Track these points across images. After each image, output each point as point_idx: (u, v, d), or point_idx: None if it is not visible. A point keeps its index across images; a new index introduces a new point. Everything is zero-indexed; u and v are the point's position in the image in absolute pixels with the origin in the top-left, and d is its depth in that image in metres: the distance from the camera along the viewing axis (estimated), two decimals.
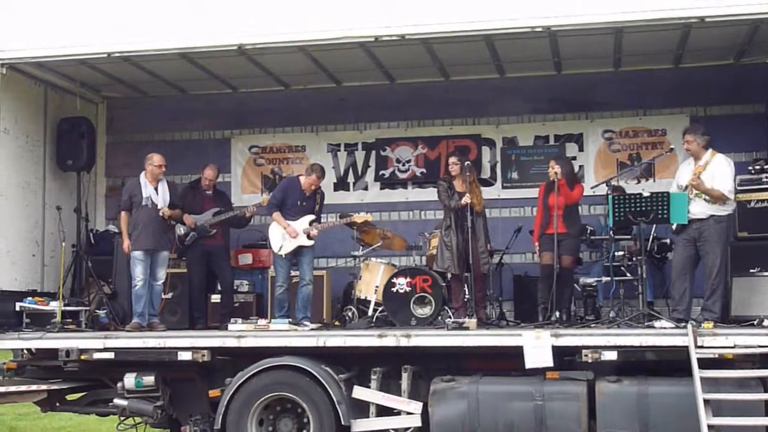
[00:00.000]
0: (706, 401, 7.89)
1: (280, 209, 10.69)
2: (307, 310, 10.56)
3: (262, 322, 10.18)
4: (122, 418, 9.95)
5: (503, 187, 12.36)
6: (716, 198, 9.40)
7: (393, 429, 9.05)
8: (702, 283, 9.56)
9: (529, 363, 8.61)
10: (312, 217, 10.74)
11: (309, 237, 10.63)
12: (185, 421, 9.71)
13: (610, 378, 8.56)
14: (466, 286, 10.44)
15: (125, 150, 12.87)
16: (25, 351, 10.33)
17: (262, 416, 9.25)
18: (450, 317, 10.09)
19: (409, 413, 8.98)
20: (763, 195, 10.50)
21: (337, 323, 11.13)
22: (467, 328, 9.32)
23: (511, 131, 12.46)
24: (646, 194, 9.57)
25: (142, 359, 9.54)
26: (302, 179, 10.86)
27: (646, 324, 9.23)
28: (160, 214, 10.66)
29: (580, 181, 11.18)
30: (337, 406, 8.90)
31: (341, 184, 12.78)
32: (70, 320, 10.63)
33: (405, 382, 9.05)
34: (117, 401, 9.66)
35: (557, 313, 9.93)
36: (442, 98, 12.46)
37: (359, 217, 11.11)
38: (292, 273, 10.77)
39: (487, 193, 11.34)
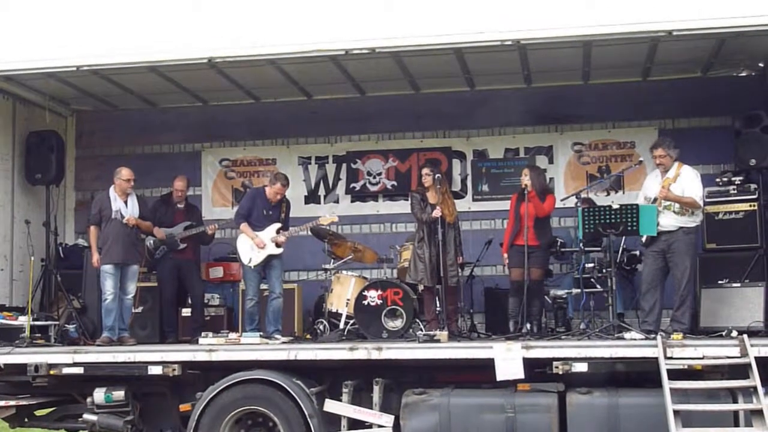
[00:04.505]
0: (676, 412, 7.92)
1: (247, 220, 10.68)
2: (278, 323, 10.53)
3: (233, 335, 10.14)
4: None
5: (474, 200, 12.41)
6: (688, 205, 9.47)
7: None
8: (672, 294, 9.63)
9: (501, 375, 8.62)
10: (278, 225, 10.68)
11: (277, 245, 10.60)
12: None
13: (580, 389, 8.57)
14: (437, 298, 10.45)
15: (95, 164, 12.82)
16: None
17: (233, 430, 9.17)
18: (421, 330, 10.10)
19: (380, 426, 8.95)
20: (730, 207, 10.63)
21: (308, 336, 11.12)
22: (438, 341, 9.33)
23: (481, 144, 12.51)
24: (615, 206, 9.60)
25: (112, 374, 9.47)
26: (267, 189, 10.82)
27: (616, 335, 9.27)
28: (125, 221, 10.54)
29: (552, 192, 11.16)
30: (308, 419, 8.86)
31: (312, 197, 12.76)
32: (39, 335, 10.55)
33: (376, 395, 9.02)
34: (86, 416, 9.58)
35: (528, 325, 9.96)
36: (412, 111, 12.49)
37: (325, 219, 11.04)
38: (262, 286, 10.74)
39: (458, 205, 11.31)
